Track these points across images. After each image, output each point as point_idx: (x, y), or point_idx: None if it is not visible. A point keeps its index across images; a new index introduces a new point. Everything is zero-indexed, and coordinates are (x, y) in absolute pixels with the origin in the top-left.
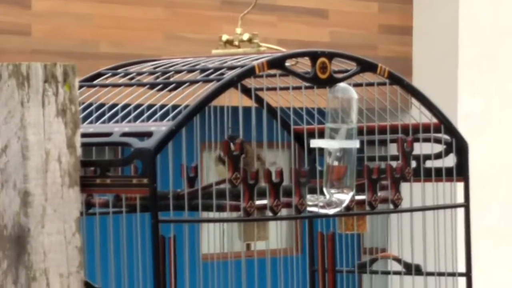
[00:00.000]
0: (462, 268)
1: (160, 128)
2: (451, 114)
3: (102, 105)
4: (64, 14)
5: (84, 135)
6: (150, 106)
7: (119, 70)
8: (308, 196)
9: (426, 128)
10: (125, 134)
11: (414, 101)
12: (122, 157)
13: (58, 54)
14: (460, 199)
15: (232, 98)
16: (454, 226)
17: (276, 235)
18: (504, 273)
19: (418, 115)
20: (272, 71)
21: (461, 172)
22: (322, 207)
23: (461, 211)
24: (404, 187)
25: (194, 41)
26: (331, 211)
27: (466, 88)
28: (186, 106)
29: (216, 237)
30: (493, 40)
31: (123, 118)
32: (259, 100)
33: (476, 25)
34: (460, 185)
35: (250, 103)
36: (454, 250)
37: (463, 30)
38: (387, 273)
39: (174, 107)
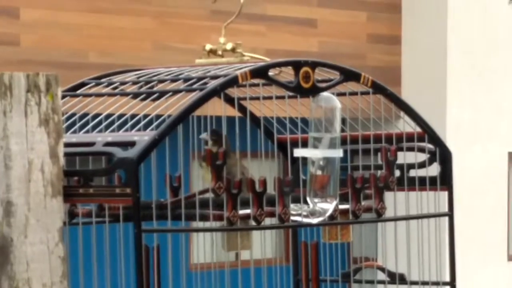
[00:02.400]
0: (447, 277)
1: (143, 137)
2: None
3: (85, 114)
4: (53, 24)
5: (67, 145)
6: (133, 116)
7: (102, 80)
8: (292, 206)
9: (410, 137)
10: (108, 144)
11: (397, 110)
12: (106, 166)
13: (47, 64)
14: (445, 208)
15: (216, 108)
16: (439, 235)
17: (260, 245)
18: (492, 282)
19: (402, 124)
20: (256, 81)
21: (445, 181)
22: (306, 216)
23: (446, 220)
24: (388, 196)
25: (183, 50)
26: (315, 220)
27: (455, 98)
28: (169, 116)
29: (200, 247)
30: (481, 50)
31: (107, 127)
32: (243, 109)
33: (464, 34)
34: (444, 194)
35: (234, 112)
36: (439, 259)
37: (452, 39)
38: (371, 282)
39: (158, 116)
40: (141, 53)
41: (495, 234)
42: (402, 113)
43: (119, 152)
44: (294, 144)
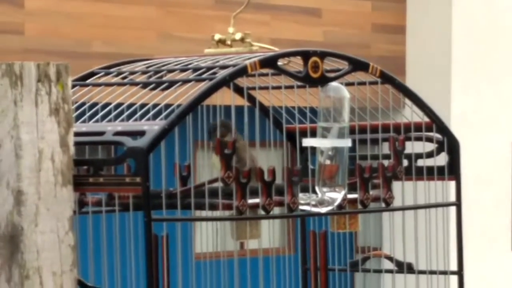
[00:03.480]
0: (454, 266)
1: (152, 127)
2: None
3: (95, 104)
4: (57, 13)
5: (77, 134)
6: (143, 105)
7: (111, 70)
8: (300, 195)
9: (418, 127)
10: (118, 133)
11: (406, 100)
12: (115, 156)
13: (51, 53)
14: (452, 197)
15: (225, 97)
16: (446, 225)
17: (269, 234)
18: (496, 271)
19: (410, 114)
20: (265, 70)
21: (452, 170)
22: (314, 205)
23: (453, 210)
24: (396, 186)
25: (187, 40)
26: (323, 209)
27: (460, 87)
28: (179, 105)
29: (209, 236)
30: (486, 39)
31: (116, 117)
32: (252, 99)
33: (469, 24)
34: (452, 184)
35: (243, 102)
36: (446, 248)
37: (457, 29)
38: (379, 271)
39: (167, 106)
40: (145, 43)
41: (500, 224)
42: (410, 103)
43: (129, 142)
44: (303, 134)
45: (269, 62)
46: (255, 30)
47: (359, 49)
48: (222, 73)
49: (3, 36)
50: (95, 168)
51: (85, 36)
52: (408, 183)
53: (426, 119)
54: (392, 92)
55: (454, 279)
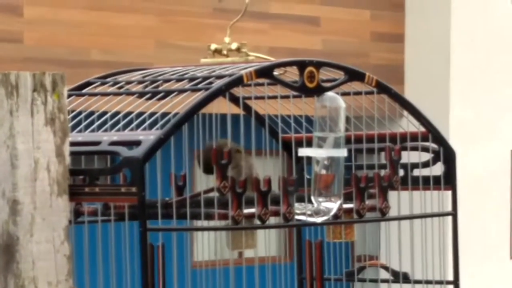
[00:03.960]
0: (450, 276)
1: (148, 136)
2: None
3: (91, 113)
4: (56, 21)
5: (73, 144)
6: (139, 115)
7: (108, 79)
8: (296, 205)
9: (414, 137)
10: (113, 143)
11: (402, 110)
12: (111, 165)
13: (50, 61)
14: (449, 207)
15: (221, 106)
16: (443, 234)
17: (265, 243)
18: (495, 280)
19: (406, 124)
20: (260, 80)
21: (449, 180)
22: (310, 215)
23: (449, 220)
24: (392, 195)
25: (186, 49)
26: (319, 219)
27: (458, 96)
28: (175, 115)
29: (204, 245)
30: (485, 48)
31: (112, 126)
32: (247, 109)
33: (468, 32)
34: (448, 194)
35: (239, 110)
36: (443, 258)
37: (455, 37)
38: (375, 281)
39: (163, 115)
40: (144, 51)
41: (498, 233)
42: (406, 113)
43: (124, 151)
44: (299, 143)
45: (265, 72)
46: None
47: (357, 58)
48: (218, 83)
49: (2, 44)
50: (91, 178)
51: (83, 44)
52: (403, 192)
53: (422, 129)
54: (388, 102)
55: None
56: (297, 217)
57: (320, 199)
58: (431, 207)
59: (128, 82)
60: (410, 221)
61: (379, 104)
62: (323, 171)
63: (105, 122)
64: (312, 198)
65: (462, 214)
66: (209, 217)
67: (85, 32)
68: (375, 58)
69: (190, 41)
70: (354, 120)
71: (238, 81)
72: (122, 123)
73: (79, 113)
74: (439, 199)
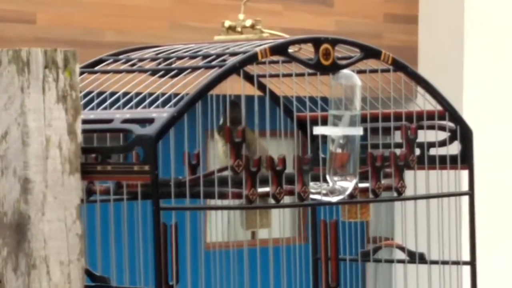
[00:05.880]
0: (466, 257)
1: (161, 114)
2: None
3: (103, 91)
4: (69, 2)
5: (85, 122)
6: (151, 93)
7: (120, 56)
8: (311, 184)
9: (431, 115)
10: (126, 121)
11: (418, 88)
12: (124, 143)
13: (63, 42)
14: (465, 187)
15: (234, 86)
16: (459, 214)
17: (279, 224)
18: (508, 262)
19: (423, 102)
20: (275, 58)
21: (465, 160)
22: (325, 194)
23: (466, 199)
24: (408, 175)
25: (199, 29)
26: (334, 198)
27: (472, 77)
28: (187, 93)
29: (218, 226)
30: (499, 29)
31: (124, 104)
32: (262, 87)
33: (482, 14)
34: (464, 173)
35: (253, 91)
36: (459, 238)
37: (469, 18)
38: (390, 261)
39: (176, 94)
40: (157, 32)
41: None
42: (422, 91)
43: (137, 129)
44: (314, 122)
45: (280, 49)
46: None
47: (371, 39)
48: (231, 60)
49: (15, 25)
50: (103, 156)
51: (97, 25)
52: (420, 172)
53: (439, 108)
54: (404, 80)
55: (467, 269)
56: (312, 196)
57: (336, 178)
58: (448, 187)
59: (141, 60)
60: (426, 201)
61: (396, 82)
62: (339, 150)
63: (117, 100)
64: (328, 177)
65: (477, 195)
66: (222, 196)
67: (98, 12)
68: (389, 39)
69: (204, 22)
70: (370, 98)
71: (253, 58)
72: (134, 101)
73: (91, 91)
74: (455, 178)
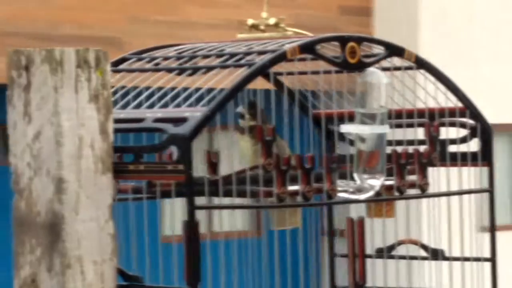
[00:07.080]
0: (487, 253)
1: (194, 113)
2: (411, 95)
3: (128, 91)
4: None
5: (115, 121)
6: (177, 91)
7: (143, 55)
8: (338, 182)
9: (451, 112)
10: (158, 120)
11: (439, 85)
12: (157, 143)
13: (24, 36)
14: (484, 184)
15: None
16: (480, 212)
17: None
18: None
19: (444, 100)
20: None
21: (485, 157)
22: (352, 192)
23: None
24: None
25: (159, 22)
26: (362, 196)
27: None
28: (211, 91)
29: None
30: (454, 23)
31: (150, 103)
32: (280, 85)
33: (437, 6)
34: (481, 170)
35: (270, 86)
36: (480, 235)
37: (424, 11)
38: (414, 258)
39: (205, 92)
40: (117, 25)
41: None
42: (443, 89)
43: (170, 128)
44: (330, 119)
45: (308, 48)
46: (226, 11)
47: (326, 32)
48: (262, 59)
49: None
50: (136, 155)
51: (57, 18)
52: (440, 169)
53: (460, 105)
54: (425, 77)
55: (487, 266)
56: (339, 194)
57: (365, 176)
58: (468, 184)
59: (165, 58)
60: (447, 198)
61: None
62: (368, 148)
63: (148, 97)
64: (355, 175)
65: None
66: (254, 194)
67: (59, 5)
68: (344, 32)
69: (164, 15)
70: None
71: (282, 57)
72: (167, 97)
73: (116, 90)
74: (475, 175)
